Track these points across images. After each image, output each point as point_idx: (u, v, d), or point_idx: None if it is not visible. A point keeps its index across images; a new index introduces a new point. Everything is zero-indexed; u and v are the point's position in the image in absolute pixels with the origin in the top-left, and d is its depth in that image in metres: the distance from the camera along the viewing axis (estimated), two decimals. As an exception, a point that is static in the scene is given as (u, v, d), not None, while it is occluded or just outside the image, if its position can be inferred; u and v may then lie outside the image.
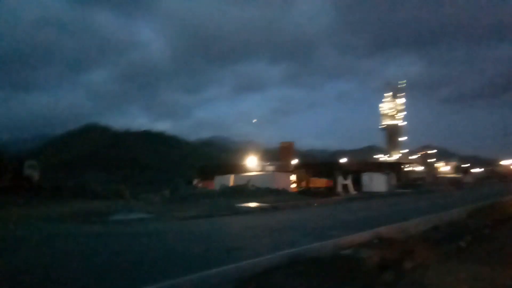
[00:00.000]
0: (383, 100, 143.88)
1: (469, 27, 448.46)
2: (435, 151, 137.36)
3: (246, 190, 31.62)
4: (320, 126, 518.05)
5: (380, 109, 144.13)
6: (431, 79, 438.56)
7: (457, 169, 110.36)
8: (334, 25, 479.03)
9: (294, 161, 59.98)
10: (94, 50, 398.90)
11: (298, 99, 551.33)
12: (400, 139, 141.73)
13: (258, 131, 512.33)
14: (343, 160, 74.66)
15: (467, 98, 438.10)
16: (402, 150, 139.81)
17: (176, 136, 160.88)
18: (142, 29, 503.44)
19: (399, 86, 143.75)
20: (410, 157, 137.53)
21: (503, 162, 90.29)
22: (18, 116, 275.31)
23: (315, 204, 26.23)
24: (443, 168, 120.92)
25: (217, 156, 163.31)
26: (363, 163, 57.29)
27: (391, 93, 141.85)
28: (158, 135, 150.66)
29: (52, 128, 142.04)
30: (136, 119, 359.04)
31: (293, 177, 42.99)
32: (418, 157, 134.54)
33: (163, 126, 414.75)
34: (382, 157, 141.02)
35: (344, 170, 43.91)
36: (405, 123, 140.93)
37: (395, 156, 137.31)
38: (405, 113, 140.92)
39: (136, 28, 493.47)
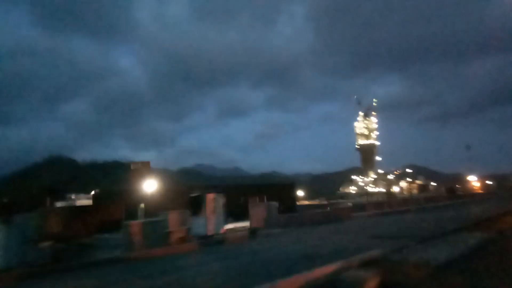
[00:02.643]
0: (357, 119, 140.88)
1: (450, 45, 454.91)
2: (410, 170, 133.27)
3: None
4: (305, 149, 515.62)
5: (355, 128, 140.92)
6: (413, 97, 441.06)
7: (420, 187, 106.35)
8: (315, 47, 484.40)
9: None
10: (72, 80, 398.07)
11: (283, 123, 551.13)
12: (376, 158, 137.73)
13: (243, 157, 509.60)
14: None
15: (448, 116, 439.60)
16: (378, 170, 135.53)
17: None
18: (121, 57, 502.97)
19: (372, 105, 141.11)
20: (388, 177, 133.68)
21: (470, 178, 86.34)
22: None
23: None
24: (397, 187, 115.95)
25: (193, 185, 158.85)
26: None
27: (362, 113, 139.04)
28: (127, 166, 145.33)
29: (20, 162, 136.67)
30: (119, 150, 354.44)
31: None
32: (395, 176, 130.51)
33: (146, 156, 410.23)
34: (358, 178, 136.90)
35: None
36: (379, 143, 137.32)
37: (371, 177, 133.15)
38: (377, 132, 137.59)
39: (115, 55, 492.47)
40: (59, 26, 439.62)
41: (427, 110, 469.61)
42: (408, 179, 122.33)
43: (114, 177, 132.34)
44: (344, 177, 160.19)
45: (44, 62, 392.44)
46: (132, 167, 32.45)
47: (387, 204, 38.92)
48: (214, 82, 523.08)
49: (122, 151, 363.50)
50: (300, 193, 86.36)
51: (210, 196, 17.41)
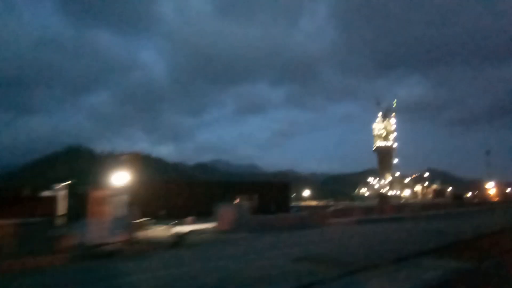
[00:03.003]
0: (376, 120, 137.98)
1: (475, 47, 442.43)
2: (427, 174, 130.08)
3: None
4: (323, 149, 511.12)
5: (373, 129, 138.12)
6: (435, 100, 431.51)
7: (438, 192, 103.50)
8: (337, 46, 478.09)
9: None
10: (94, 72, 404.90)
11: (301, 121, 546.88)
12: (393, 161, 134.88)
13: (260, 154, 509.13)
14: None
15: (471, 120, 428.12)
16: (395, 172, 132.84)
17: (161, 159, 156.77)
18: (143, 50, 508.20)
19: (392, 106, 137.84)
20: (404, 180, 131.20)
21: (488, 185, 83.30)
22: (19, 138, 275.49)
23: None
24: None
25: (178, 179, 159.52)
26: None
27: (382, 114, 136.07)
28: (143, 158, 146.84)
29: (41, 151, 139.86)
30: (138, 142, 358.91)
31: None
32: (411, 180, 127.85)
33: (165, 150, 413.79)
34: (374, 181, 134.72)
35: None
36: (396, 144, 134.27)
37: (387, 179, 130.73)
38: (396, 134, 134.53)
39: (137, 48, 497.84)
40: (83, 17, 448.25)
41: (450, 113, 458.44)
42: (425, 183, 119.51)
43: (130, 169, 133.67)
44: (360, 179, 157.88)
45: (68, 53, 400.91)
46: (121, 158, 31.96)
47: (379, 209, 36.08)
48: (234, 77, 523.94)
49: (141, 144, 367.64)
50: (306, 192, 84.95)
51: (100, 193, 13.73)
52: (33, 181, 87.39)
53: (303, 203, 66.09)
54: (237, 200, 29.47)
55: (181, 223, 22.29)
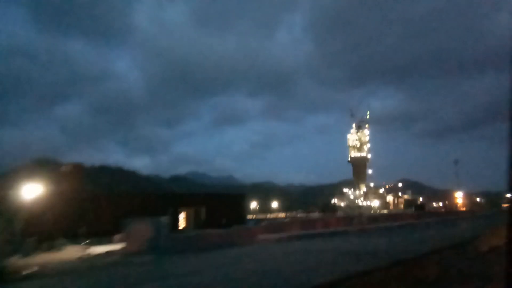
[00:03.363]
0: (350, 131, 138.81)
1: (447, 60, 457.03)
2: (400, 184, 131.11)
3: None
4: (300, 160, 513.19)
5: (348, 140, 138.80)
6: (408, 112, 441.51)
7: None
8: (313, 58, 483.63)
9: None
10: (67, 82, 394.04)
11: (279, 133, 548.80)
12: (367, 171, 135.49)
13: (238, 166, 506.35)
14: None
15: (443, 131, 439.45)
16: (369, 183, 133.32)
17: (134, 171, 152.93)
18: (117, 60, 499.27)
19: (366, 117, 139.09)
20: (378, 191, 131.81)
21: (457, 194, 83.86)
22: None
23: None
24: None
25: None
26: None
27: (355, 125, 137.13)
28: (114, 171, 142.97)
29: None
30: (112, 155, 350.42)
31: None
32: (384, 190, 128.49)
33: (140, 162, 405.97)
34: (349, 191, 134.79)
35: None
36: (370, 155, 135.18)
37: (362, 190, 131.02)
38: (370, 145, 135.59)
39: (111, 58, 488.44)
40: (55, 27, 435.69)
41: (423, 124, 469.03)
42: (399, 194, 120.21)
43: (100, 181, 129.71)
44: (336, 190, 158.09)
45: (39, 63, 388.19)
46: (62, 169, 29.78)
47: (323, 222, 32.31)
48: (211, 89, 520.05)
49: (115, 156, 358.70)
50: (274, 204, 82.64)
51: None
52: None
53: (270, 215, 64.40)
54: (182, 214, 27.48)
55: (103, 242, 20.09)
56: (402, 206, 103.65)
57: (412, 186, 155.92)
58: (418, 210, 57.56)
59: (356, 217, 36.49)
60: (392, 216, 45.20)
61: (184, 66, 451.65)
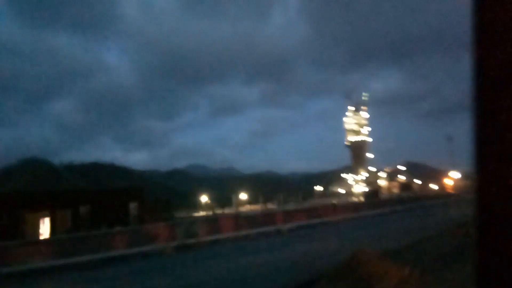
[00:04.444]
0: (346, 114, 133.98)
1: (449, 36, 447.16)
2: (403, 167, 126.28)
3: None
4: (303, 147, 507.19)
5: (344, 124, 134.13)
6: (411, 92, 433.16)
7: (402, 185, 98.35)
8: (310, 40, 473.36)
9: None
10: (56, 78, 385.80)
11: (279, 120, 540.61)
12: (367, 155, 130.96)
13: (238, 156, 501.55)
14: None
15: (448, 111, 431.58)
16: (369, 167, 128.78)
17: (126, 167, 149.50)
18: (107, 52, 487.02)
19: (362, 99, 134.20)
20: (379, 175, 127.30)
21: (451, 174, 78.65)
22: None
23: None
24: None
25: (175, 189, 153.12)
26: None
27: (353, 108, 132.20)
28: (106, 168, 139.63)
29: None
30: (110, 151, 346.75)
31: None
32: (385, 174, 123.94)
33: (138, 157, 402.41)
34: (348, 177, 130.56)
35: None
36: (370, 139, 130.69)
37: (362, 175, 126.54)
38: (369, 128, 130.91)
39: (100, 50, 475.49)
40: (39, 20, 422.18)
41: (427, 104, 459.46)
42: (397, 177, 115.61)
43: (91, 179, 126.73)
44: (338, 176, 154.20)
45: (25, 59, 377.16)
46: None
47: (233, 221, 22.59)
48: (206, 77, 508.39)
49: (113, 153, 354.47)
50: (243, 196, 75.13)
51: None
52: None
53: (238, 208, 59.60)
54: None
55: None
56: (395, 190, 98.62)
57: (416, 168, 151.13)
58: (373, 197, 51.22)
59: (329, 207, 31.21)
60: (377, 204, 38.71)
61: (176, 55, 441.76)
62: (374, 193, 54.42)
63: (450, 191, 69.48)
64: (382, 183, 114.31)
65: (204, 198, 79.23)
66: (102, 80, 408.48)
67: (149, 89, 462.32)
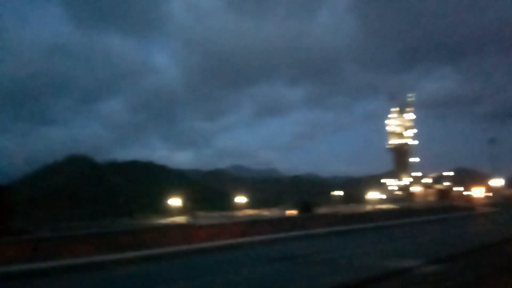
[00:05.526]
0: (389, 116, 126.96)
1: (507, 36, 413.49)
2: (451, 173, 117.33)
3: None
4: (347, 150, 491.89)
5: (386, 126, 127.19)
6: (468, 93, 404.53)
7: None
8: (358, 40, 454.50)
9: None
10: (107, 78, 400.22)
11: (323, 122, 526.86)
12: (411, 159, 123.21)
13: (280, 158, 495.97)
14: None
15: (507, 114, 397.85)
16: (413, 172, 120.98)
17: (165, 165, 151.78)
18: (155, 53, 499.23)
19: (407, 100, 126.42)
20: (423, 181, 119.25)
21: (492, 182, 69.83)
22: (34, 149, 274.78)
23: None
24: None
25: (213, 188, 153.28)
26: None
27: (397, 109, 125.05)
28: (146, 165, 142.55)
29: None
30: (156, 150, 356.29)
31: None
32: (431, 180, 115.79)
33: (183, 157, 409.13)
34: (389, 182, 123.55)
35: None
36: (415, 142, 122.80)
37: (405, 180, 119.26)
38: (415, 131, 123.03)
39: (149, 51, 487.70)
40: (91, 22, 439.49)
41: (483, 107, 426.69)
42: (442, 183, 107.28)
43: (130, 176, 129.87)
44: (378, 181, 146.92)
45: (77, 60, 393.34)
46: None
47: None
48: (251, 78, 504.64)
49: (159, 152, 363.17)
50: (241, 199, 68.14)
51: None
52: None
53: (243, 213, 55.55)
54: None
55: None
56: (431, 197, 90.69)
57: (465, 174, 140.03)
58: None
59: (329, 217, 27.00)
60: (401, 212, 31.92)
61: (222, 55, 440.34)
62: (307, 205, 42.21)
63: (478, 201, 60.69)
64: (417, 189, 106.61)
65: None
66: (151, 80, 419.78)
67: (194, 89, 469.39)
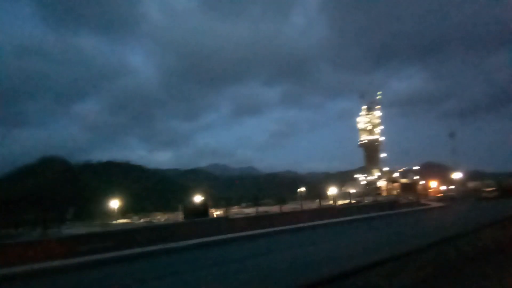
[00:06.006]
0: (359, 114, 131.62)
1: (473, 36, 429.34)
2: (418, 167, 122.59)
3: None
4: (323, 147, 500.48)
5: (357, 124, 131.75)
6: (433, 91, 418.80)
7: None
8: (331, 40, 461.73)
9: None
10: (82, 79, 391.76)
11: (299, 120, 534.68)
12: (380, 155, 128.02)
13: (258, 156, 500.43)
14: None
15: (470, 111, 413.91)
16: (382, 167, 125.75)
17: (141, 165, 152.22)
18: (130, 53, 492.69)
19: (376, 98, 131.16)
20: (392, 176, 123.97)
21: (453, 176, 74.38)
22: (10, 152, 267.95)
23: None
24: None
25: (188, 186, 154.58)
26: None
27: (366, 107, 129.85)
28: (122, 166, 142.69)
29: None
30: (134, 151, 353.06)
31: None
32: (399, 174, 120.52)
33: (162, 157, 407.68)
34: (361, 177, 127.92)
35: None
36: (383, 138, 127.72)
37: (375, 175, 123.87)
38: (382, 127, 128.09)
39: (124, 52, 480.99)
40: (63, 23, 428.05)
41: (449, 104, 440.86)
42: (413, 177, 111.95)
43: (105, 177, 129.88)
44: (351, 176, 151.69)
45: (51, 61, 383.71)
46: None
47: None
48: (227, 78, 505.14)
49: (138, 152, 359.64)
50: (197, 198, 62.60)
51: None
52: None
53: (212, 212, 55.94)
54: None
55: None
56: (395, 191, 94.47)
57: (433, 168, 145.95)
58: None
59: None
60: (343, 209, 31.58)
61: (198, 55, 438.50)
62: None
63: (431, 194, 63.21)
64: (383, 184, 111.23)
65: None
66: (126, 80, 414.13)
67: (172, 90, 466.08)
